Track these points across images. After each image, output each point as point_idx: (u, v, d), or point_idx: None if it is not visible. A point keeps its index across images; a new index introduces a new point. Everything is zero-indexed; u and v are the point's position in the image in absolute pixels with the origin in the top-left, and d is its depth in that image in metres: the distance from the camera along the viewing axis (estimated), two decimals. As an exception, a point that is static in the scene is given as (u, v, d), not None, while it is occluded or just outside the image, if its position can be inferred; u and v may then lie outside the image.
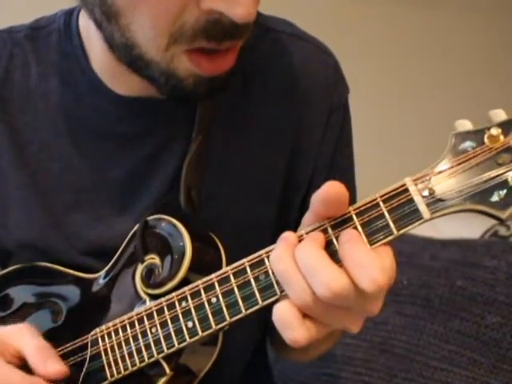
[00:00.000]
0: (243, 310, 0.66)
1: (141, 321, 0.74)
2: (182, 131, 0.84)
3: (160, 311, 0.72)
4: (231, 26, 0.67)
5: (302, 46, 0.89)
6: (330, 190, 0.59)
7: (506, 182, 0.57)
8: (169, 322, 0.71)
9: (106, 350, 0.76)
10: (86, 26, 0.83)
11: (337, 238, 0.60)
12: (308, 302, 0.58)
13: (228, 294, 0.67)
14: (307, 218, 0.63)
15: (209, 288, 0.68)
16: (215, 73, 0.72)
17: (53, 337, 0.78)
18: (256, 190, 0.87)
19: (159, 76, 0.73)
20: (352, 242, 0.59)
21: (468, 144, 0.59)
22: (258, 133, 0.86)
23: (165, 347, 0.72)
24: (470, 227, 1.51)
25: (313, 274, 0.58)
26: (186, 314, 0.70)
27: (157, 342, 0.72)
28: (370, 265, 0.56)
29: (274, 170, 0.87)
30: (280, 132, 0.87)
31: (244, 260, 0.66)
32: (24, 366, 0.74)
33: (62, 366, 0.74)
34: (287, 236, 0.62)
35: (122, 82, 0.83)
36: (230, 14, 0.66)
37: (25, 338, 0.75)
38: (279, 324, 0.60)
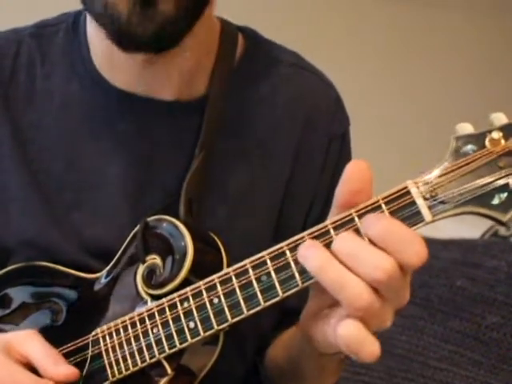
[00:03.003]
0: (245, 311, 0.66)
1: (142, 321, 0.73)
2: (184, 137, 0.86)
3: (161, 311, 0.72)
4: None
5: (307, 76, 0.93)
6: (353, 167, 0.60)
7: (506, 185, 0.57)
8: (170, 322, 0.71)
9: (107, 350, 0.76)
10: (89, 21, 0.85)
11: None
12: (368, 301, 0.57)
13: (230, 294, 0.67)
14: (331, 213, 0.63)
15: (210, 288, 0.68)
16: None
17: (53, 337, 0.77)
18: (255, 208, 0.88)
19: (102, 9, 0.75)
20: (387, 221, 0.58)
21: (469, 147, 0.59)
22: (260, 155, 0.89)
23: (166, 347, 0.71)
24: (470, 227, 1.51)
25: (361, 259, 0.57)
26: (188, 314, 0.70)
27: (158, 342, 0.72)
28: (415, 238, 0.57)
29: (272, 192, 0.89)
30: (281, 156, 0.89)
31: (246, 261, 0.66)
32: (30, 370, 0.74)
33: (73, 369, 0.73)
34: (311, 245, 0.61)
35: (119, 74, 0.85)
36: None
37: (32, 343, 0.74)
38: (353, 345, 0.58)
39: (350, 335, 0.58)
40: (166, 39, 0.78)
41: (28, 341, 0.74)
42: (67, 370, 0.73)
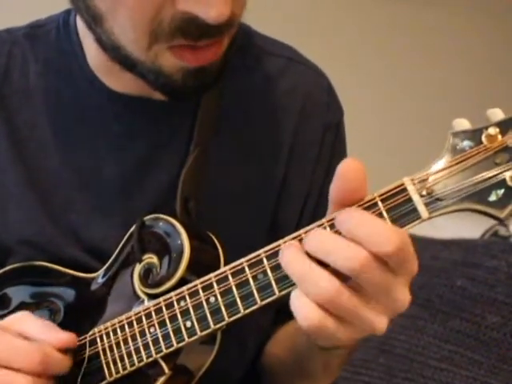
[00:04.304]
0: (242, 310, 0.66)
1: (139, 320, 0.73)
2: (178, 136, 0.86)
3: (158, 311, 0.72)
4: (205, 25, 0.69)
5: (299, 69, 0.93)
6: (345, 166, 0.60)
7: (503, 181, 0.57)
8: (167, 321, 0.71)
9: (104, 350, 0.76)
10: (83, 25, 0.84)
11: None
12: (332, 293, 0.58)
13: (226, 293, 0.67)
14: (328, 210, 0.63)
15: (207, 287, 0.68)
16: (200, 63, 0.74)
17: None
18: (250, 206, 0.88)
19: (148, 74, 0.75)
20: (357, 214, 0.59)
21: (466, 143, 0.59)
22: (255, 149, 0.89)
23: (163, 347, 0.71)
24: (470, 227, 1.51)
25: (332, 253, 0.58)
26: (185, 313, 0.70)
27: (155, 342, 0.72)
28: (381, 228, 0.57)
29: (267, 189, 0.89)
30: (276, 152, 0.89)
31: (242, 259, 0.66)
32: None
33: (67, 334, 0.74)
34: (288, 243, 0.63)
35: (117, 80, 0.84)
36: (202, 15, 0.68)
37: (28, 320, 0.75)
38: (313, 329, 0.59)
39: (307, 319, 0.59)
40: (212, 86, 0.80)
41: (23, 319, 0.75)
42: (61, 335, 0.74)
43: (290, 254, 0.61)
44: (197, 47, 0.72)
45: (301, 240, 0.62)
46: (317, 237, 0.60)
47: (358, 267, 0.57)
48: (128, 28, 0.71)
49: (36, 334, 0.73)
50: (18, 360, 0.70)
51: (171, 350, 0.71)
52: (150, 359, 0.72)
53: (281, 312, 0.89)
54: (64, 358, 0.73)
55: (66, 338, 0.74)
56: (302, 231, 0.63)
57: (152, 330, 0.72)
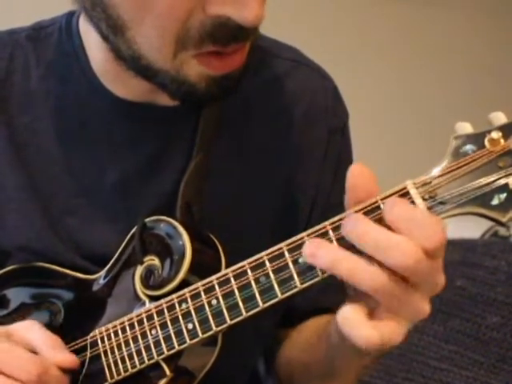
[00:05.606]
0: (244, 312, 0.66)
1: (140, 322, 0.73)
2: (181, 141, 0.85)
3: (160, 313, 0.72)
4: (237, 29, 0.68)
5: (304, 71, 0.93)
6: (353, 174, 0.60)
7: (506, 185, 0.57)
8: (169, 323, 0.71)
9: (105, 352, 0.76)
10: (86, 29, 0.83)
11: None
12: (386, 283, 0.57)
13: (228, 295, 0.67)
14: None
15: (209, 290, 0.68)
16: (226, 71, 0.73)
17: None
18: (253, 210, 0.87)
19: (170, 83, 0.74)
20: (402, 205, 0.58)
21: (469, 147, 0.59)
22: (258, 153, 0.88)
23: (165, 349, 0.71)
24: (470, 227, 1.51)
25: (385, 247, 0.57)
26: (186, 315, 0.70)
27: (157, 344, 0.72)
28: (426, 221, 0.56)
29: (271, 192, 0.88)
30: (280, 153, 0.89)
31: (244, 262, 0.66)
32: None
33: (71, 356, 0.74)
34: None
35: (122, 85, 0.83)
36: (237, 18, 0.67)
37: (33, 329, 0.75)
38: (345, 326, 0.59)
39: (344, 316, 0.59)
40: (233, 92, 0.78)
41: (28, 328, 0.75)
42: (64, 356, 0.73)
43: (332, 254, 0.59)
44: (223, 54, 0.71)
45: (301, 244, 0.62)
46: (360, 227, 0.59)
47: (413, 264, 0.56)
48: (153, 37, 0.70)
49: (41, 346, 0.73)
50: (16, 368, 0.70)
51: (173, 352, 0.71)
52: (152, 361, 0.72)
53: (291, 315, 0.89)
54: (63, 377, 0.73)
55: (70, 359, 0.73)
56: (304, 234, 0.63)
57: (153, 331, 0.72)
